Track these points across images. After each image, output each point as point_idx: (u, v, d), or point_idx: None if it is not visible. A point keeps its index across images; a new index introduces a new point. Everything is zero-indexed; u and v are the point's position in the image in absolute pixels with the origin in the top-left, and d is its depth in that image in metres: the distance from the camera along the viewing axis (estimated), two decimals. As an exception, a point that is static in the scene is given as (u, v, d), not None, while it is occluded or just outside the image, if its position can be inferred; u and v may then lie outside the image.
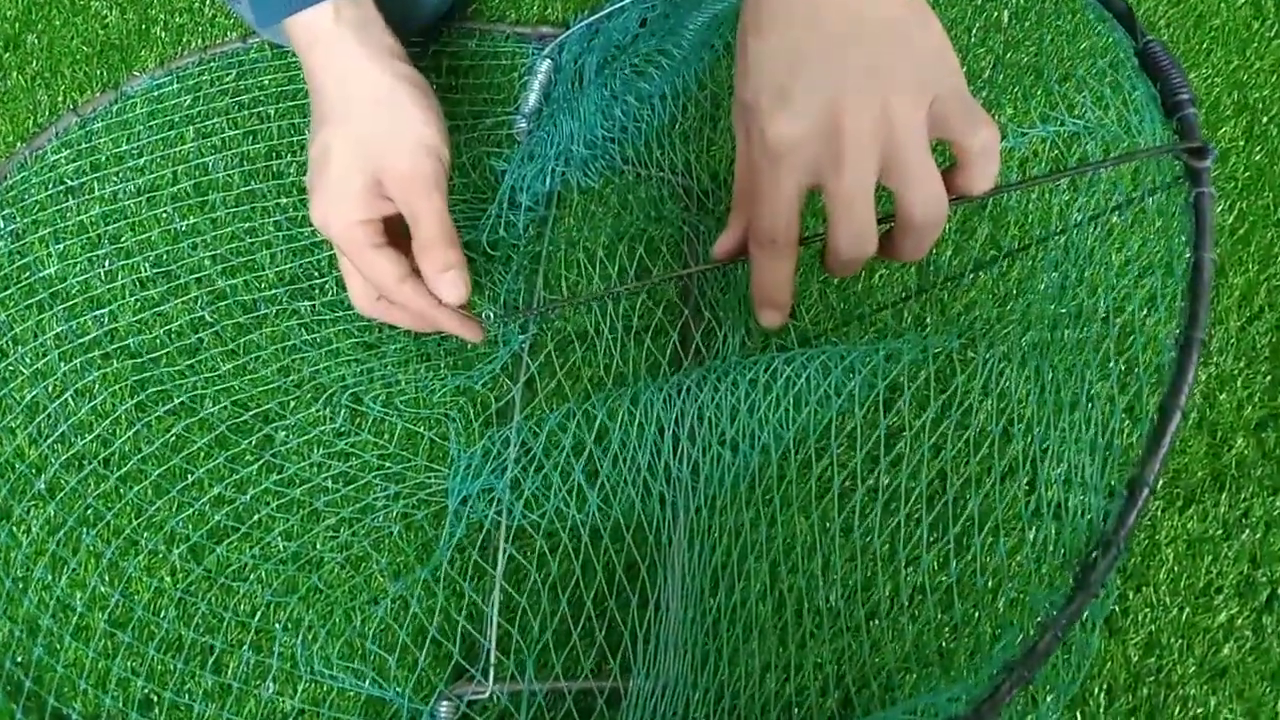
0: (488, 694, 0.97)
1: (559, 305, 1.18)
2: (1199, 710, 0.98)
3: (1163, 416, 0.68)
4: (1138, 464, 0.68)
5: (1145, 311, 0.76)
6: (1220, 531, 1.06)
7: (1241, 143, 1.25)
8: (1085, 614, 0.66)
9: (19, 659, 1.02)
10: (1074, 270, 0.90)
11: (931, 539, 1.00)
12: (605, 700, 0.95)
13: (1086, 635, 0.70)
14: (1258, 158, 1.24)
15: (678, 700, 0.91)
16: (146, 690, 1.00)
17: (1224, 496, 1.07)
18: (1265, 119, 1.26)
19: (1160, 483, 1.07)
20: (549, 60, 1.34)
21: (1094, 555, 0.67)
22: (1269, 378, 1.12)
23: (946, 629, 0.98)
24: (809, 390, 0.87)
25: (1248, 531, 1.05)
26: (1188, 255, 0.71)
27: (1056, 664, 0.70)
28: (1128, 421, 0.73)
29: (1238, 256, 1.19)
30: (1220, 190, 1.22)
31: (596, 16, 1.33)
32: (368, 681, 0.99)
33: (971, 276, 1.13)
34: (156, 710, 1.00)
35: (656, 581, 0.99)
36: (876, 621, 0.99)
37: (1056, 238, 0.95)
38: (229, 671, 1.01)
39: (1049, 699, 0.75)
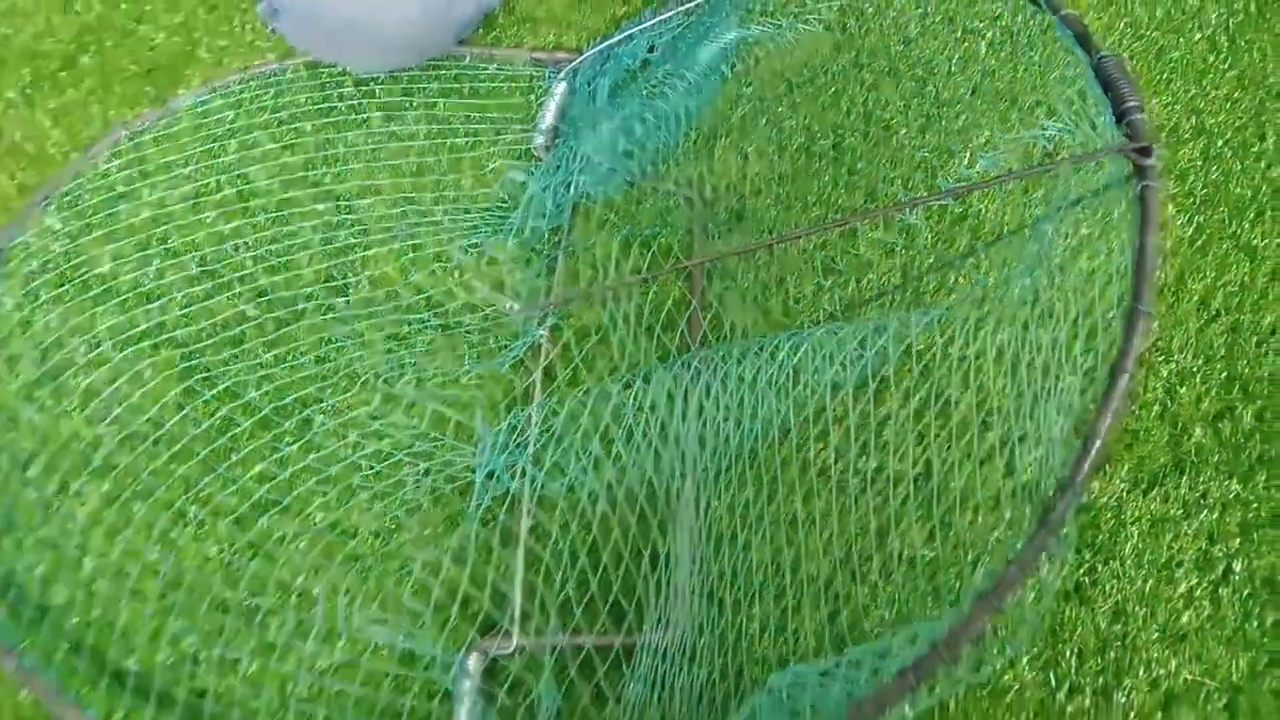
0: (513, 648, 1.06)
1: (575, 299, 1.28)
2: (1161, 671, 1.07)
3: (1112, 378, 0.78)
4: (1091, 420, 0.78)
5: (1101, 296, 0.87)
6: (1181, 511, 1.15)
7: (1199, 163, 1.37)
8: (1048, 549, 0.76)
9: (80, 618, 1.10)
10: (1044, 275, 1.00)
11: (918, 515, 1.10)
12: (622, 652, 1.04)
13: (1052, 574, 0.79)
14: (1214, 176, 1.36)
15: (684, 653, 1.00)
16: (196, 647, 1.09)
17: (1184, 480, 1.17)
18: (1220, 142, 1.38)
19: (1125, 466, 1.18)
20: (564, 83, 1.46)
21: (1054, 497, 0.77)
22: (1225, 374, 1.23)
23: (929, 596, 1.08)
24: (806, 361, 0.97)
25: (1206, 512, 1.15)
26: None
27: (1023, 600, 0.80)
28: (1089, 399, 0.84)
29: (1196, 265, 1.30)
30: (1179, 206, 1.34)
31: (608, 43, 1.45)
32: (402, 637, 1.08)
33: (952, 278, 1.24)
34: (205, 665, 1.08)
35: (667, 542, 1.08)
36: (864, 588, 1.08)
37: (1026, 232, 1.05)
38: (272, 630, 1.10)
39: (1020, 633, 0.84)
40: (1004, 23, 1.46)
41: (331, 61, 1.52)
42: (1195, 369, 1.23)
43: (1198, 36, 1.47)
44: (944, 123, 1.37)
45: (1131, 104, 0.85)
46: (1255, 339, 1.25)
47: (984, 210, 1.29)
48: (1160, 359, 1.24)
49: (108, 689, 1.06)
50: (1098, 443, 0.77)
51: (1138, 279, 0.79)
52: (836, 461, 1.14)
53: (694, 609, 1.03)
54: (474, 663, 1.06)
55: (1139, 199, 0.82)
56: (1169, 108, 1.41)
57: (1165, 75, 1.44)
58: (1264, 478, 1.16)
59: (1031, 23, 1.07)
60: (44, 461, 1.20)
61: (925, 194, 1.22)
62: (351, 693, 1.06)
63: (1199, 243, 1.31)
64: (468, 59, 1.52)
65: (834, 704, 0.83)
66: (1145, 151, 0.83)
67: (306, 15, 1.42)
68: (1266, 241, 1.31)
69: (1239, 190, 1.34)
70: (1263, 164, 1.36)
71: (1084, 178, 0.96)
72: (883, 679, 0.79)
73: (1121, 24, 1.49)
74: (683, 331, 1.23)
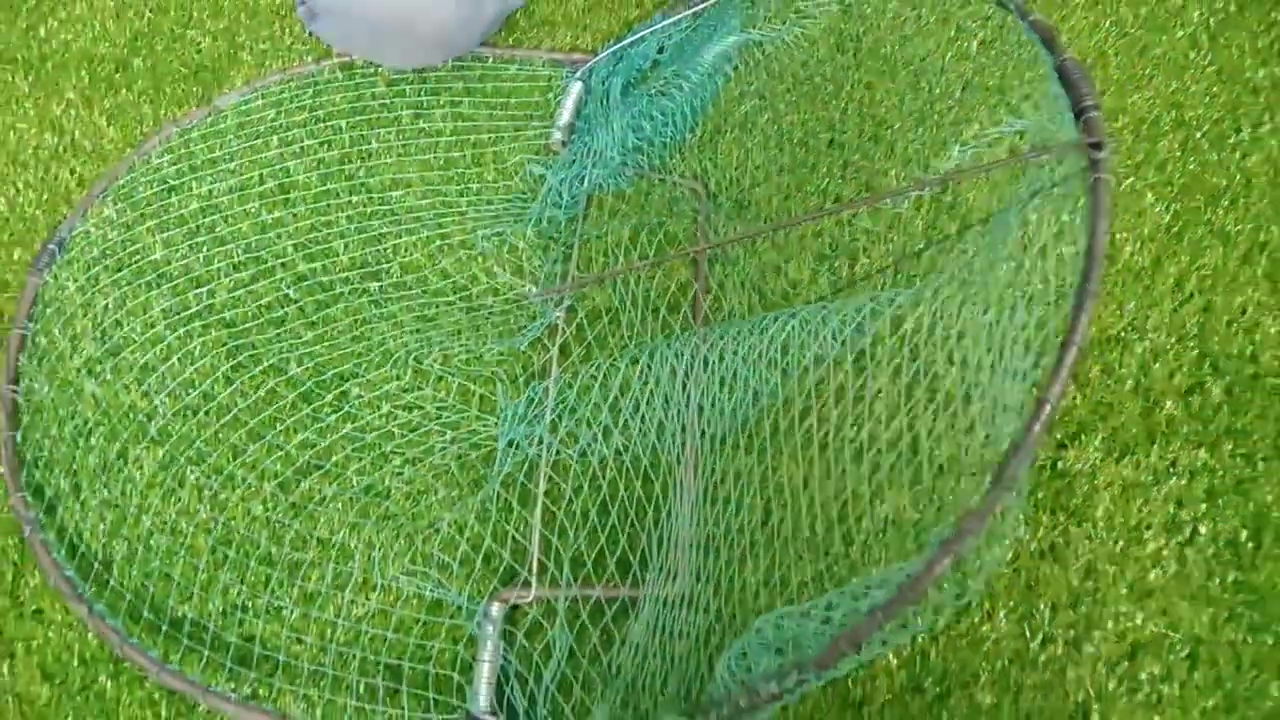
0: (530, 597, 1.17)
1: (588, 283, 1.38)
2: (1128, 624, 1.16)
3: (1063, 349, 0.87)
4: (1044, 387, 0.87)
5: (1057, 277, 0.96)
6: (1151, 478, 1.24)
7: (1178, 153, 1.45)
8: (1002, 504, 0.86)
9: (137, 569, 1.22)
10: (1006, 260, 1.09)
11: (902, 481, 1.19)
12: (628, 601, 1.15)
13: (1005, 527, 0.89)
14: (1192, 167, 1.44)
15: (685, 601, 1.11)
16: (244, 597, 1.20)
17: (1155, 449, 1.25)
18: (1199, 134, 1.46)
19: (1099, 436, 1.26)
20: (580, 82, 1.56)
21: (1007, 456, 0.87)
22: (1196, 351, 1.31)
23: (913, 554, 1.17)
24: (794, 336, 1.07)
25: (1175, 479, 1.24)
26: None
27: (980, 548, 0.89)
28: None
29: (1172, 250, 1.38)
30: (1158, 195, 1.42)
31: (621, 44, 1.55)
32: (430, 587, 1.19)
33: (941, 260, 1.33)
34: (252, 613, 1.20)
35: (669, 502, 1.18)
36: (853, 549, 1.17)
37: (1000, 218, 1.13)
38: (313, 581, 1.21)
39: (978, 577, 0.93)
40: (995, 22, 1.55)
41: (367, 59, 1.63)
42: (1169, 346, 1.32)
43: (1180, 34, 1.55)
44: (937, 116, 1.46)
45: (1089, 103, 0.94)
46: (1226, 318, 1.33)
47: (971, 199, 1.38)
48: (1135, 337, 1.32)
49: (166, 634, 1.18)
50: (1047, 408, 0.87)
51: (1088, 262, 0.88)
52: (828, 430, 1.23)
53: (693, 562, 1.14)
54: (496, 610, 1.17)
55: (1091, 190, 0.91)
56: (1151, 101, 1.49)
57: (1148, 71, 1.52)
58: (1230, 447, 1.25)
59: (1020, 23, 1.15)
60: (105, 430, 1.32)
61: (910, 185, 1.31)
62: (385, 637, 1.18)
63: (1175, 229, 1.39)
64: (490, 59, 1.63)
65: (812, 639, 0.92)
66: (1099, 146, 0.92)
67: (344, 16, 1.53)
68: (1240, 227, 1.39)
69: (1215, 179, 1.42)
70: (1238, 155, 1.44)
71: (1051, 170, 1.05)
72: (856, 617, 0.89)
73: (1107, 22, 1.57)
74: (687, 313, 1.33)
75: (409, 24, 1.51)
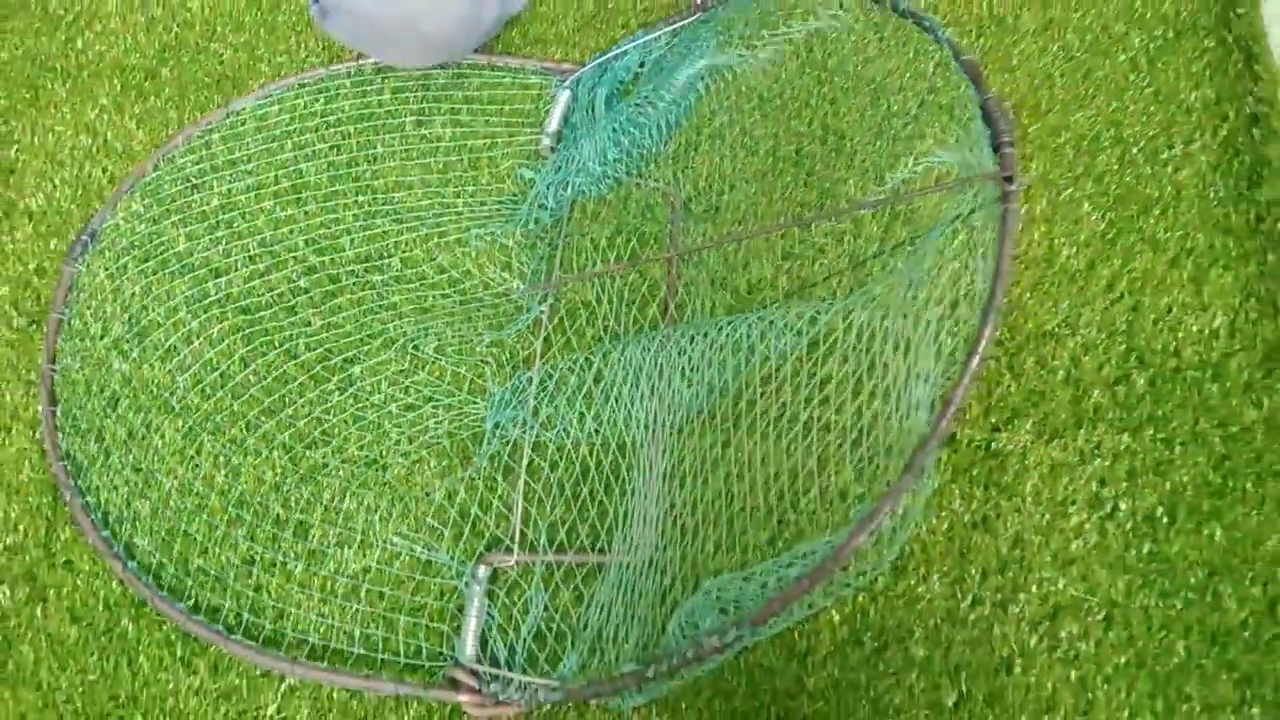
0: (512, 561, 1.30)
1: (571, 281, 1.52)
2: (1051, 589, 1.29)
3: (968, 357, 1.00)
4: (949, 389, 1.00)
5: (969, 292, 1.08)
6: (1077, 459, 1.36)
7: (1115, 167, 1.58)
8: (912, 487, 0.98)
9: (160, 526, 1.36)
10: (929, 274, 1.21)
11: (851, 459, 1.31)
12: (596, 567, 1.28)
13: (918, 500, 1.02)
14: (1128, 179, 1.56)
15: (650, 564, 1.24)
16: (254, 552, 1.34)
17: (1081, 433, 1.38)
18: (1135, 150, 1.59)
19: (1030, 421, 1.39)
20: (568, 91, 1.70)
21: (917, 447, 1.00)
22: (1124, 346, 1.43)
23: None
24: (751, 340, 1.21)
25: (1099, 460, 1.36)
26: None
27: (895, 524, 1.02)
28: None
29: (1106, 254, 1.51)
30: (1095, 204, 1.55)
31: (606, 57, 1.68)
32: (422, 549, 1.32)
33: (891, 261, 1.46)
34: (260, 566, 1.33)
35: (635, 481, 1.32)
36: (802, 516, 1.30)
37: (925, 239, 1.25)
38: (315, 539, 1.34)
39: (890, 550, 1.06)
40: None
41: (374, 58, 1.76)
42: (1099, 342, 1.44)
43: (1121, 58, 1.68)
44: (893, 131, 1.59)
45: (1005, 139, 1.06)
46: (1153, 317, 1.45)
47: (921, 207, 1.52)
48: (1068, 333, 1.45)
49: (187, 585, 1.32)
50: (953, 407, 0.99)
51: (994, 279, 1.01)
52: (782, 415, 1.36)
53: (658, 531, 1.27)
54: (481, 571, 1.30)
55: (1001, 217, 1.04)
56: (1092, 119, 1.62)
57: (1091, 91, 1.65)
58: (1151, 433, 1.37)
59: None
60: (131, 403, 1.46)
61: (846, 204, 1.45)
62: (381, 592, 1.31)
63: (1110, 235, 1.52)
64: (487, 66, 1.76)
65: (751, 600, 1.06)
66: (1010, 179, 1.04)
67: (353, 16, 1.63)
68: (1169, 234, 1.51)
69: (1148, 191, 1.55)
70: (1170, 169, 1.57)
71: (971, 198, 1.16)
72: (786, 583, 1.02)
73: (1055, 47, 1.70)
74: (658, 309, 1.47)
75: (414, 25, 1.62)
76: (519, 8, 1.79)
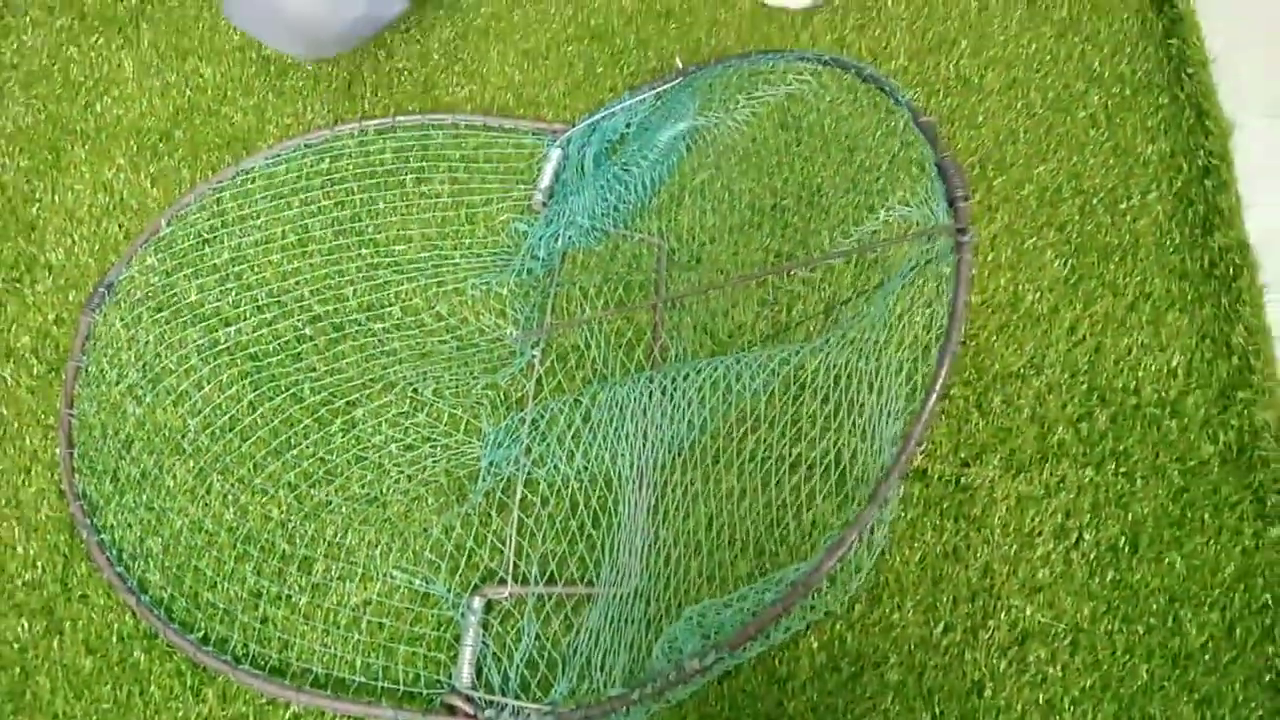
0: (506, 593, 1.37)
1: (562, 327, 1.60)
2: (1019, 615, 1.35)
3: (926, 397, 1.07)
4: (909, 425, 1.08)
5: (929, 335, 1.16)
6: (1043, 492, 1.43)
7: (1077, 217, 1.67)
8: (876, 516, 1.06)
9: (171, 562, 1.43)
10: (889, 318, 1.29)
11: (826, 492, 1.38)
12: (585, 597, 1.35)
13: (880, 530, 1.09)
14: (1088, 228, 1.66)
15: (637, 594, 1.31)
16: (261, 586, 1.41)
17: (1047, 467, 1.45)
18: (1095, 201, 1.68)
19: (998, 456, 1.46)
20: (559, 149, 1.80)
21: (879, 480, 1.07)
22: (1086, 386, 1.51)
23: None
24: (728, 381, 1.29)
25: (1064, 493, 1.43)
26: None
27: (861, 548, 1.09)
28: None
29: (1069, 299, 1.59)
30: (1058, 252, 1.63)
31: (595, 118, 1.79)
32: (421, 581, 1.39)
33: (861, 306, 1.54)
34: (267, 599, 1.40)
35: (621, 515, 1.39)
36: (781, 546, 1.37)
37: (895, 284, 1.33)
38: (319, 573, 1.41)
39: (858, 576, 1.13)
40: (918, 104, 1.79)
41: (273, 47, 1.86)
42: (1062, 381, 1.52)
43: (1081, 114, 1.78)
44: (865, 185, 1.69)
45: (959, 194, 1.14)
46: (1114, 358, 1.53)
47: (892, 257, 1.60)
48: (1033, 373, 1.53)
49: (202, 617, 1.39)
50: (912, 442, 1.07)
51: (950, 323, 1.09)
52: (763, 451, 1.43)
53: (643, 561, 1.34)
54: (477, 603, 1.37)
55: (956, 266, 1.12)
56: (1054, 172, 1.72)
57: (1053, 146, 1.75)
58: (1114, 467, 1.44)
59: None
60: (144, 445, 1.54)
61: (819, 254, 1.55)
62: (381, 623, 1.38)
63: (1072, 281, 1.61)
64: (483, 128, 1.87)
65: (729, 625, 1.13)
66: (964, 232, 1.13)
67: (254, 5, 1.74)
68: (1128, 280, 1.60)
69: (1108, 239, 1.64)
70: (1129, 218, 1.66)
71: (929, 249, 1.25)
72: (761, 608, 1.09)
73: (1019, 104, 1.81)
74: (646, 353, 1.55)
75: (312, 19, 1.70)
76: (392, 14, 1.81)
